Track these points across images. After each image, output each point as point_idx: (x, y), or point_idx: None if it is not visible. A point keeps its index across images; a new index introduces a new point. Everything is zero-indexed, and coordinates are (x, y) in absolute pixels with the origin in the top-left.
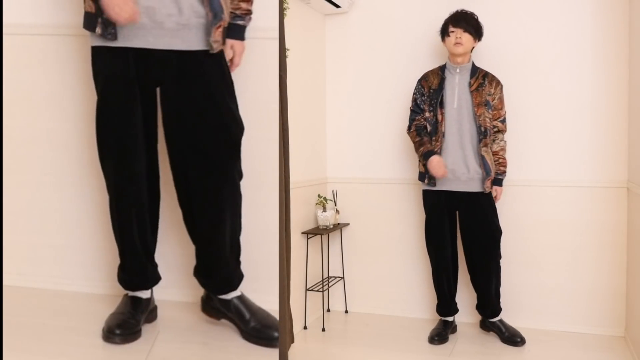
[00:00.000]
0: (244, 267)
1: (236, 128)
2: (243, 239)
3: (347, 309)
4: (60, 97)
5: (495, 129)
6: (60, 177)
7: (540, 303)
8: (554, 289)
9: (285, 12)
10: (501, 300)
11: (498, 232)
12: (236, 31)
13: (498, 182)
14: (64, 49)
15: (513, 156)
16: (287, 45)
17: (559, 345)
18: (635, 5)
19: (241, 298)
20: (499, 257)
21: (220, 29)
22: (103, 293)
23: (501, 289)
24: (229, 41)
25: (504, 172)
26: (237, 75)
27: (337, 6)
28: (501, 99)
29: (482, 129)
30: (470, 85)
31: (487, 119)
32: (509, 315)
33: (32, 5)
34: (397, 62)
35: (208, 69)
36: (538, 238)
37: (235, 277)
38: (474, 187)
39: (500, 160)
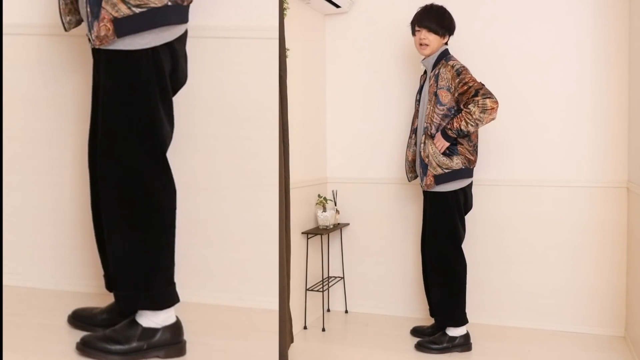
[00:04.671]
0: (244, 267)
1: (119, 138)
2: (243, 239)
3: (347, 309)
4: (60, 97)
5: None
6: (60, 177)
7: (540, 303)
8: (554, 289)
9: (285, 12)
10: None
11: (444, 238)
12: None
13: (443, 131)
14: (64, 49)
15: (513, 156)
16: (287, 45)
17: (559, 345)
18: (635, 5)
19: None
20: (448, 264)
21: (103, 24)
22: (103, 293)
23: (500, 289)
24: None
25: (452, 127)
26: (237, 75)
27: (337, 6)
28: (463, 81)
29: (425, 124)
30: (429, 78)
31: (436, 115)
32: (509, 315)
33: (32, 5)
34: (397, 62)
35: (105, 66)
36: (538, 238)
37: (132, 301)
38: (422, 184)
39: (459, 115)
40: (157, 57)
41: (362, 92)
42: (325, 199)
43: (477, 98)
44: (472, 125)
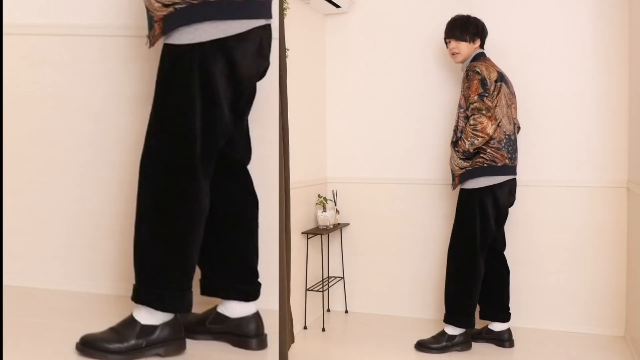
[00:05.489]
0: None
1: (151, 133)
2: None
3: (347, 309)
4: (61, 97)
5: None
6: (60, 177)
7: (540, 303)
8: (554, 289)
9: (285, 12)
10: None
11: (460, 235)
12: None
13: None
14: (64, 49)
15: None
16: (287, 45)
17: (559, 345)
18: (635, 5)
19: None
20: (462, 263)
21: (157, 24)
22: (103, 293)
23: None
24: None
25: (460, 149)
26: None
27: (337, 6)
28: (469, 86)
29: (454, 127)
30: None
31: (459, 119)
32: None
33: (32, 5)
34: (397, 62)
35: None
36: (538, 238)
37: (136, 294)
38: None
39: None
40: (202, 53)
41: (362, 92)
42: (325, 199)
43: (468, 113)
44: (469, 144)
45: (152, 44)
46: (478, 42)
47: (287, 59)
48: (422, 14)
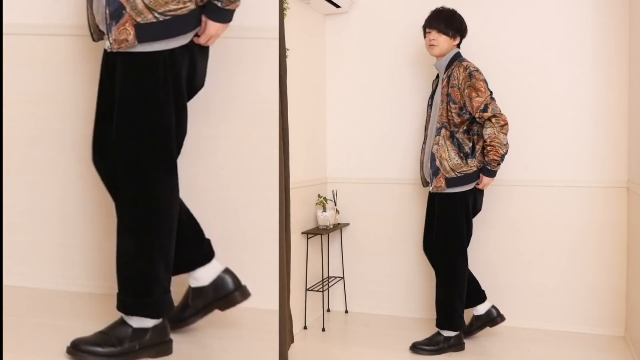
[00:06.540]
0: (244, 267)
1: (132, 142)
2: (243, 238)
3: (347, 309)
4: (61, 97)
5: (480, 119)
6: (61, 177)
7: (540, 303)
8: (554, 289)
9: (285, 12)
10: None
11: (448, 239)
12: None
13: (485, 171)
14: (64, 49)
15: (513, 156)
16: (287, 45)
17: (559, 345)
18: (635, 5)
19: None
20: (452, 267)
21: (123, 27)
22: (103, 293)
23: (500, 289)
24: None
25: (493, 161)
26: (237, 75)
27: (337, 6)
28: (473, 86)
29: (438, 125)
30: (442, 80)
31: (452, 114)
32: (509, 315)
33: (32, 5)
34: (397, 62)
35: (122, 69)
36: (538, 238)
37: (131, 308)
38: (431, 187)
39: (488, 148)
40: (174, 59)
41: (362, 92)
42: (325, 199)
43: (487, 114)
44: (504, 144)
45: (119, 47)
46: (458, 40)
47: (287, 59)
48: (423, 14)
